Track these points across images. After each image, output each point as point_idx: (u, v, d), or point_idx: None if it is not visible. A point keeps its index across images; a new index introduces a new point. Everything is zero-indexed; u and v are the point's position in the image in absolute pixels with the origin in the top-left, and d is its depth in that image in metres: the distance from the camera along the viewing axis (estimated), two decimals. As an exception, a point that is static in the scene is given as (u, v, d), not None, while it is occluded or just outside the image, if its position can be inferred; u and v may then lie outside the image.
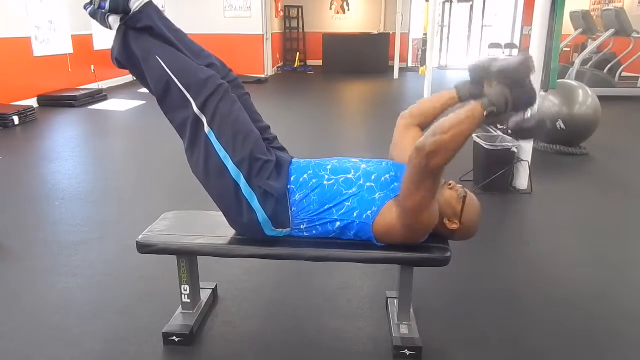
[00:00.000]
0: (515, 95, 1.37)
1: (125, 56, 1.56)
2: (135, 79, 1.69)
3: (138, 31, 1.54)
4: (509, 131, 1.45)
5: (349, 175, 1.61)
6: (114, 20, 1.54)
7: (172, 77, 1.53)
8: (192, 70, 1.56)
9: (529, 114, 1.41)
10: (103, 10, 1.52)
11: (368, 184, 1.59)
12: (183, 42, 1.63)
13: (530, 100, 1.39)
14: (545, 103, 4.31)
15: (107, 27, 1.58)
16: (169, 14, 1.66)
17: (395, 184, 1.57)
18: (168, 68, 1.53)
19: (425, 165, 1.36)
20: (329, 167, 1.65)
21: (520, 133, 1.45)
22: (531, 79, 1.37)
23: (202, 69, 1.58)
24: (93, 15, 1.57)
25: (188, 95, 1.54)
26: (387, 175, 1.61)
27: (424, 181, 1.40)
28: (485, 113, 1.37)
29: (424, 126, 1.75)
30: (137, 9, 1.51)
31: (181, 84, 1.53)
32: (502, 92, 1.37)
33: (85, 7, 1.58)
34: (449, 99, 1.70)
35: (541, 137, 1.42)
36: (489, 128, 5.08)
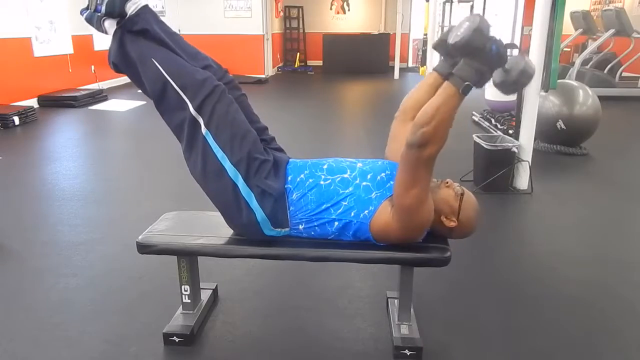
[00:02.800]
0: (482, 60, 1.34)
1: (121, 59, 1.57)
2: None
3: (134, 34, 1.55)
4: (499, 89, 1.43)
5: (345, 175, 1.62)
6: (110, 25, 1.56)
7: (168, 79, 1.54)
8: (188, 72, 1.57)
9: (506, 66, 1.38)
10: (99, 14, 1.53)
11: (364, 183, 1.59)
12: (179, 45, 1.63)
13: (499, 57, 1.35)
14: (546, 103, 4.31)
15: (102, 32, 1.59)
16: (169, 15, 1.66)
17: (391, 182, 1.57)
18: (164, 70, 1.54)
19: (418, 157, 1.38)
20: (325, 166, 1.65)
21: (509, 87, 1.43)
22: (488, 33, 1.31)
23: (198, 71, 1.59)
24: (89, 20, 1.58)
25: (184, 97, 1.54)
26: (383, 174, 1.61)
27: (418, 174, 1.41)
28: (460, 90, 1.37)
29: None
30: (134, 12, 1.52)
31: (177, 85, 1.54)
32: (468, 63, 1.36)
33: (81, 12, 1.60)
34: (433, 80, 1.68)
35: (530, 79, 1.38)
36: (489, 128, 5.08)
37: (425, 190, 1.46)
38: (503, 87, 1.45)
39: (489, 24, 1.32)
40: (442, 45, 1.60)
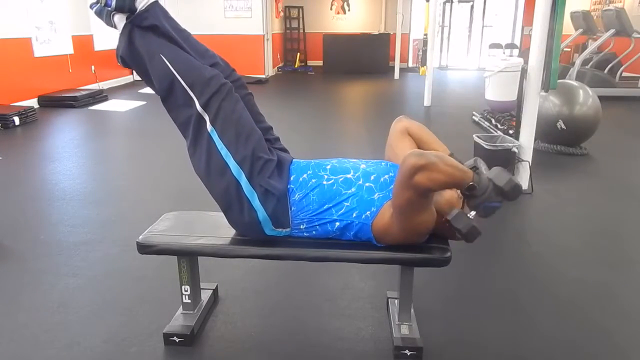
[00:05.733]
0: (492, 197, 1.41)
1: (130, 55, 1.57)
2: (138, 78, 1.70)
3: (143, 30, 1.55)
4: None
5: (348, 176, 1.62)
6: (119, 19, 1.56)
7: (176, 76, 1.54)
8: (196, 69, 1.57)
9: (474, 216, 1.45)
10: (109, 9, 1.54)
11: (367, 184, 1.59)
12: (188, 42, 1.64)
13: (491, 211, 1.44)
14: (546, 103, 4.31)
15: (112, 26, 1.59)
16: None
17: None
18: (172, 67, 1.54)
19: (411, 174, 1.36)
20: (328, 167, 1.65)
21: (455, 220, 1.44)
22: (504, 202, 1.44)
23: (206, 68, 1.59)
24: (99, 14, 1.58)
25: (191, 94, 1.54)
26: (386, 176, 1.61)
27: (405, 189, 1.40)
28: (470, 182, 1.40)
29: (416, 143, 1.77)
30: (143, 7, 1.52)
31: (185, 82, 1.54)
32: (489, 184, 1.41)
33: (91, 6, 1.60)
34: (442, 150, 1.71)
35: (465, 236, 1.46)
36: (489, 129, 5.08)
37: (417, 201, 1.44)
38: (455, 221, 1.45)
39: (515, 198, 1.48)
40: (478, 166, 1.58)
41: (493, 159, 3.31)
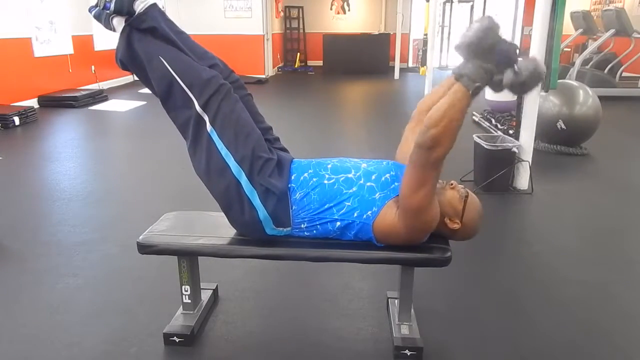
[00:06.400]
0: (491, 61, 1.35)
1: (129, 57, 1.58)
2: (138, 79, 1.70)
3: (142, 32, 1.55)
4: (509, 90, 1.41)
5: (350, 175, 1.62)
6: (118, 22, 1.56)
7: (175, 77, 1.54)
8: (195, 70, 1.57)
9: (516, 67, 1.36)
10: (108, 12, 1.54)
11: (368, 183, 1.59)
12: (186, 44, 1.64)
13: (508, 58, 1.35)
14: (546, 103, 4.31)
15: (110, 29, 1.60)
16: (169, 15, 1.66)
17: (396, 183, 1.57)
18: (171, 68, 1.54)
19: (427, 158, 1.38)
20: (329, 166, 1.65)
21: (518, 89, 1.41)
22: (497, 34, 1.33)
23: (204, 69, 1.59)
24: (97, 17, 1.59)
25: (190, 95, 1.54)
26: (388, 175, 1.61)
27: (426, 175, 1.41)
28: (470, 91, 1.36)
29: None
30: (142, 10, 1.53)
31: (184, 83, 1.54)
32: (477, 64, 1.36)
33: (90, 10, 1.61)
34: (448, 83, 1.64)
35: (540, 81, 1.38)
36: (490, 129, 5.08)
37: (432, 192, 1.46)
38: (512, 88, 1.43)
39: (499, 25, 1.32)
40: (461, 48, 1.58)
41: (493, 159, 3.32)
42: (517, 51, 1.35)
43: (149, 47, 1.56)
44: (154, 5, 1.56)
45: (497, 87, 1.40)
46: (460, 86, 1.38)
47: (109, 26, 1.59)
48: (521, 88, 1.42)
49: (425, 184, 1.43)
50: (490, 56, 1.34)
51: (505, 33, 1.37)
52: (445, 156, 1.40)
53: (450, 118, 1.36)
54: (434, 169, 1.42)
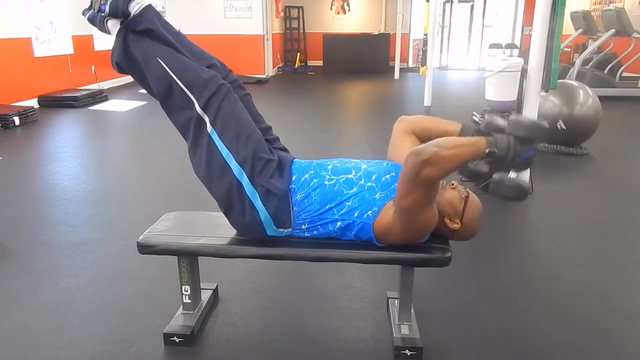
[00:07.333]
0: (519, 150, 1.38)
1: (125, 59, 1.57)
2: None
3: (138, 34, 1.54)
4: (490, 181, 1.45)
5: (350, 176, 1.62)
6: (113, 25, 1.55)
7: (174, 78, 1.54)
8: (194, 70, 1.57)
9: (514, 175, 1.42)
10: (102, 14, 1.53)
11: (369, 184, 1.59)
12: (183, 44, 1.63)
13: (526, 163, 1.40)
14: (546, 103, 4.31)
15: (105, 32, 1.58)
16: (169, 15, 1.67)
17: (396, 184, 1.57)
18: (169, 69, 1.54)
19: (417, 172, 1.36)
20: (330, 167, 1.65)
21: (498, 188, 1.44)
22: (539, 145, 1.39)
23: (203, 70, 1.59)
24: (92, 20, 1.58)
25: (190, 95, 1.54)
26: (388, 176, 1.61)
27: (414, 188, 1.40)
28: (486, 150, 1.38)
29: (420, 138, 1.72)
30: (137, 11, 1.52)
31: (183, 84, 1.54)
32: (508, 140, 1.38)
33: (83, 13, 1.59)
34: (452, 127, 1.67)
35: (514, 199, 1.45)
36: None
37: (426, 196, 1.44)
38: (496, 186, 1.46)
39: (545, 141, 1.41)
40: (490, 126, 1.54)
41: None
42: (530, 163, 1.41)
43: (146, 49, 1.55)
44: (149, 6, 1.55)
45: (497, 168, 1.44)
46: (483, 140, 1.40)
47: (103, 29, 1.58)
48: (500, 189, 1.46)
49: (414, 191, 1.41)
50: (522, 146, 1.38)
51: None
52: (432, 181, 1.39)
53: (459, 153, 1.38)
54: (421, 186, 1.39)
